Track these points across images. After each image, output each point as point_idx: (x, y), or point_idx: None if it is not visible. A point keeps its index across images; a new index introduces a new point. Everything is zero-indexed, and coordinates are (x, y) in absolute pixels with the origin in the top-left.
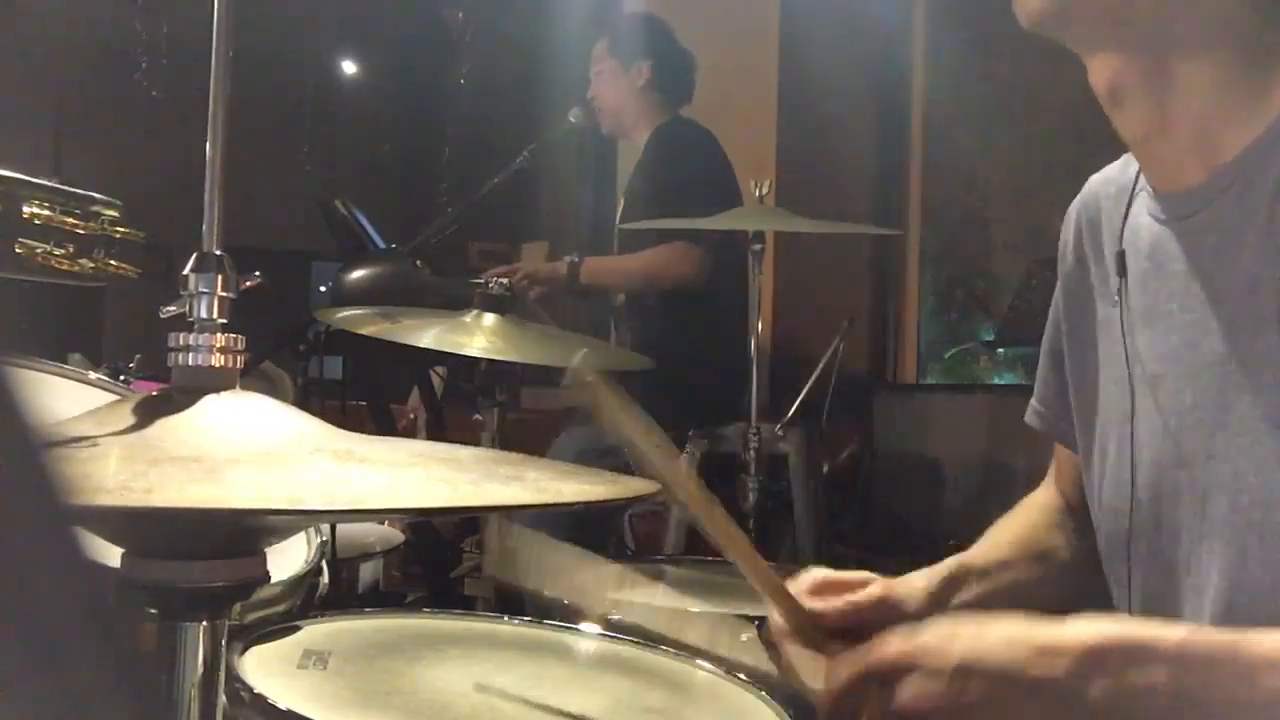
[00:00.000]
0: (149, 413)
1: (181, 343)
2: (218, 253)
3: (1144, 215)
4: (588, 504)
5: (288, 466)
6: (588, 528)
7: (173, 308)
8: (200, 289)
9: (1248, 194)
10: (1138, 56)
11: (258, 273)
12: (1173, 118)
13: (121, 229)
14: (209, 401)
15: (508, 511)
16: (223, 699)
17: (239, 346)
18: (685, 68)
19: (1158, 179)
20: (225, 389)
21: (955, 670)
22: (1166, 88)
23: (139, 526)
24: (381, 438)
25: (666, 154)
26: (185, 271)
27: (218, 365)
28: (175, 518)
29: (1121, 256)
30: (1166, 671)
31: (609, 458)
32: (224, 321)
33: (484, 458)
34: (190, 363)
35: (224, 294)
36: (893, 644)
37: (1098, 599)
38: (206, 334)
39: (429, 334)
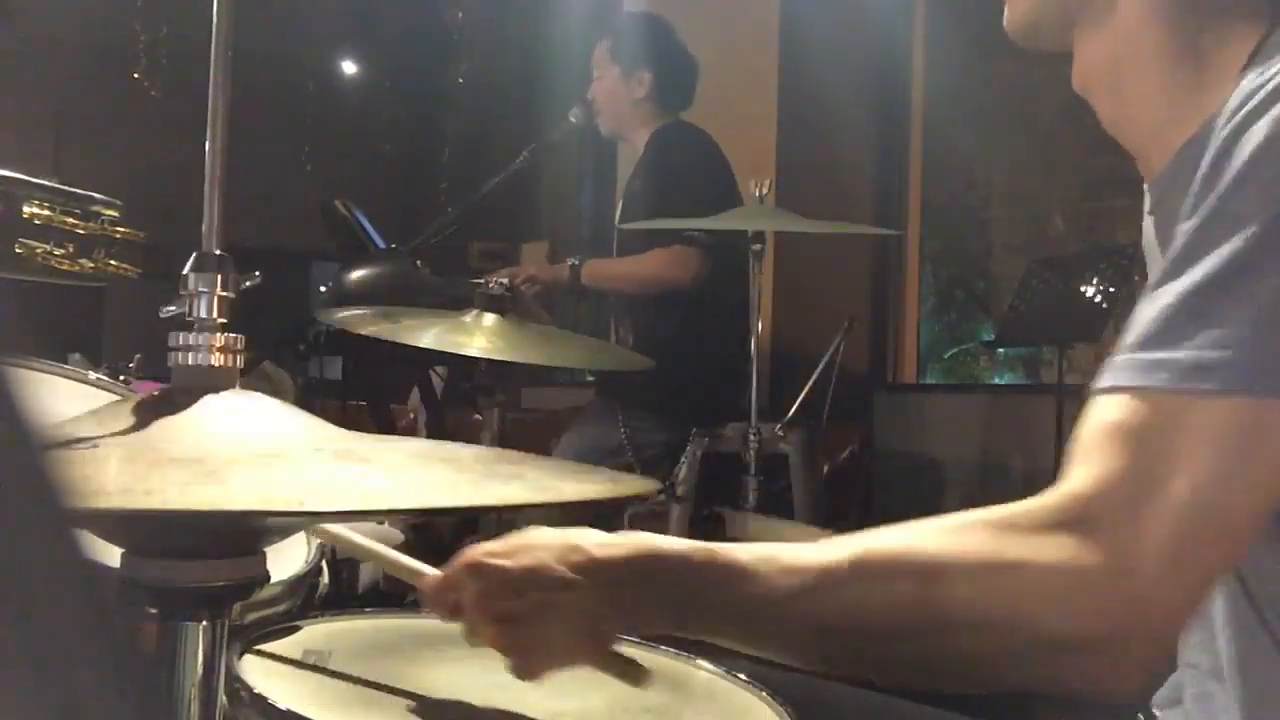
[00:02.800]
0: (149, 413)
1: (181, 342)
2: (217, 253)
3: (1147, 206)
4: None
5: (288, 467)
6: (587, 527)
7: (173, 307)
8: (200, 289)
9: (1186, 186)
10: (1097, 58)
11: (258, 272)
12: (1131, 114)
13: (121, 229)
14: (209, 401)
15: (508, 511)
16: (223, 699)
17: (239, 346)
18: (687, 76)
19: (1142, 168)
20: (225, 389)
21: (526, 571)
22: (1120, 88)
23: (139, 527)
24: (381, 437)
25: (665, 155)
26: (185, 271)
27: (217, 365)
28: (175, 518)
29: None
30: (684, 577)
31: (611, 458)
32: (224, 321)
33: (484, 457)
34: (190, 362)
35: (224, 294)
36: (497, 542)
37: None
38: (206, 334)
39: (429, 334)
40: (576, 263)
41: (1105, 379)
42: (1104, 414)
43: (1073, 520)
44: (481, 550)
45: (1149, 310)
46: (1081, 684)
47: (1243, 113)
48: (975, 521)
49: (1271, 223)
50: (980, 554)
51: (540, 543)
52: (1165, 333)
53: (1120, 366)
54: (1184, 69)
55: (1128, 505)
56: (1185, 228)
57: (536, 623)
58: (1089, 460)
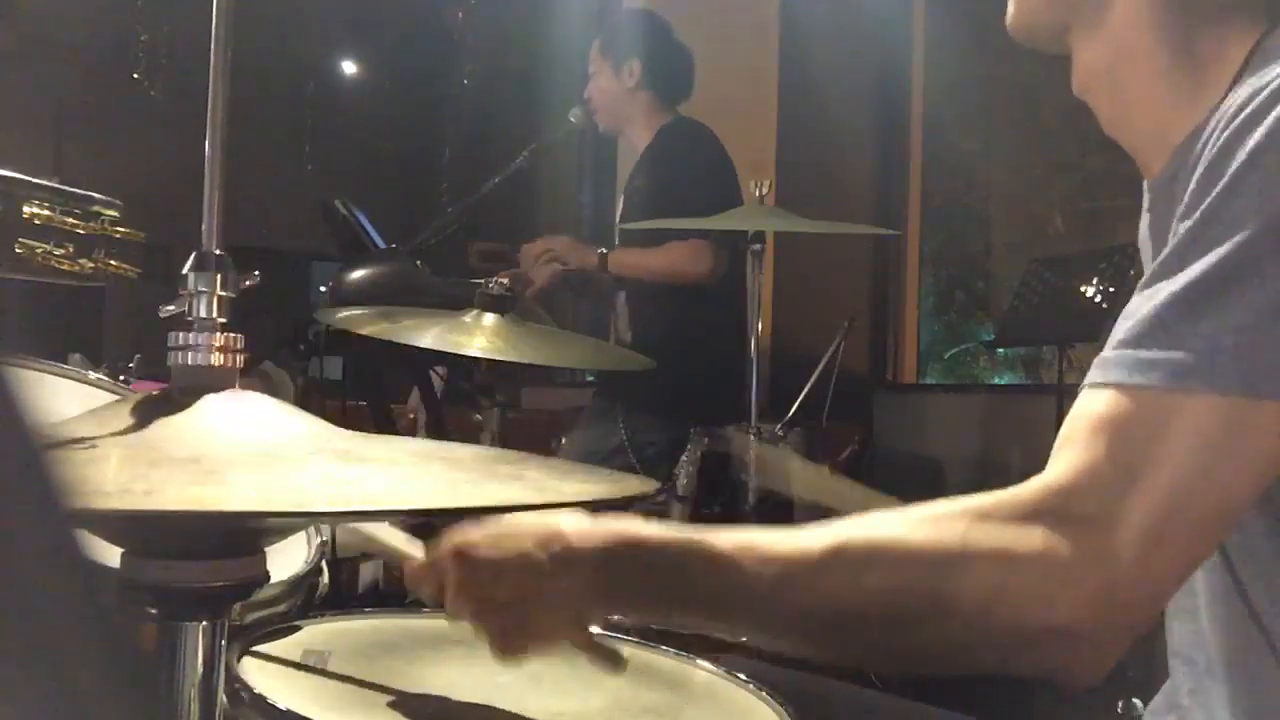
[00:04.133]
0: (149, 413)
1: (181, 342)
2: (217, 252)
3: (1145, 205)
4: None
5: (288, 467)
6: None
7: (172, 307)
8: (200, 288)
9: (1178, 186)
10: (1096, 60)
11: (257, 272)
12: (1129, 115)
13: (121, 229)
14: (208, 401)
15: (508, 511)
16: (223, 699)
17: (238, 346)
18: (678, 63)
19: (1141, 167)
20: (225, 388)
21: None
22: (1119, 89)
23: (139, 527)
24: (381, 437)
25: (668, 153)
26: (185, 271)
27: (217, 364)
28: (175, 519)
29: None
30: (663, 565)
31: (612, 458)
32: (223, 321)
33: (484, 457)
34: (190, 362)
35: (223, 293)
36: (479, 528)
37: None
38: (206, 333)
39: (429, 334)
40: (604, 251)
41: (1095, 374)
42: (1089, 408)
43: (1050, 511)
44: (464, 536)
45: (1142, 307)
46: (1053, 669)
47: (1242, 116)
48: (954, 511)
49: (1266, 226)
50: (957, 544)
51: (522, 530)
52: (1157, 331)
53: (1111, 363)
54: (1180, 71)
55: (1106, 498)
56: (1181, 226)
57: (517, 608)
58: (1070, 453)
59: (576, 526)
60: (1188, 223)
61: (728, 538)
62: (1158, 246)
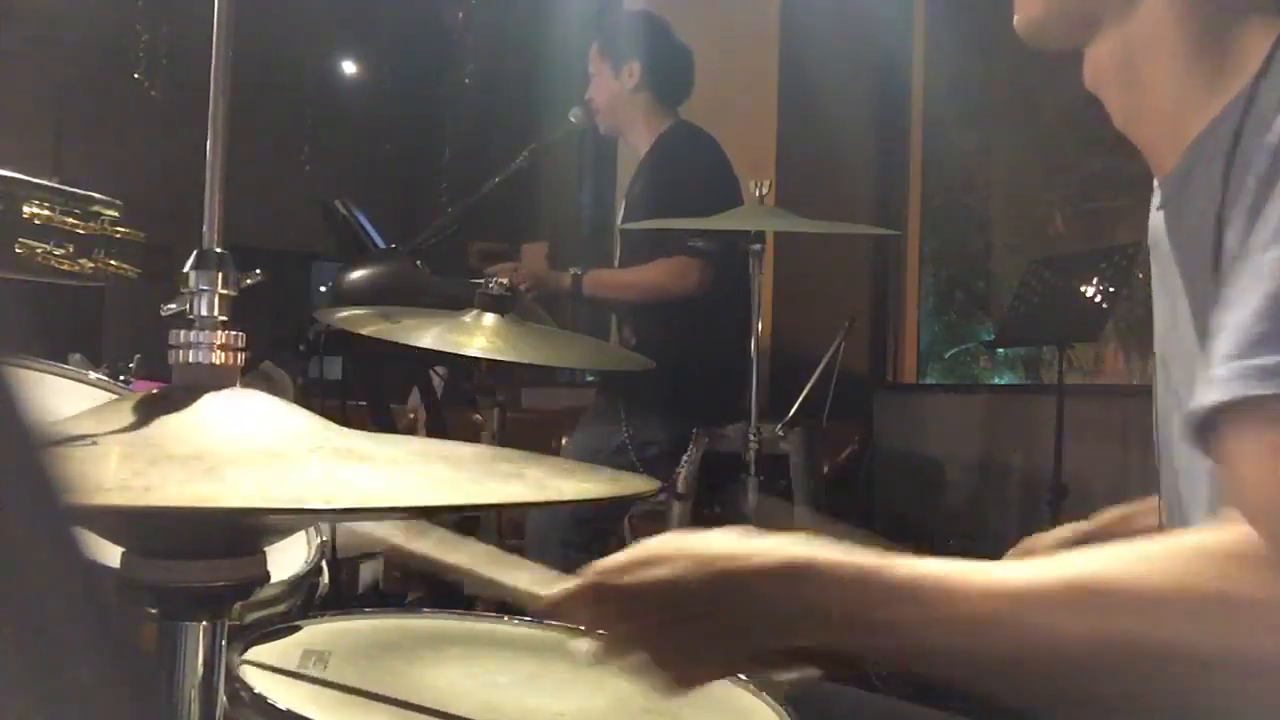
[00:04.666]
0: (149, 411)
1: (182, 340)
2: (218, 250)
3: (1156, 202)
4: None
5: (287, 465)
6: (588, 527)
7: (174, 306)
8: (200, 286)
9: (1204, 178)
10: (1112, 54)
11: (259, 270)
12: (1145, 108)
13: (121, 229)
14: (209, 399)
15: (508, 510)
16: (223, 699)
17: (239, 344)
18: (678, 65)
19: (1152, 164)
20: (225, 387)
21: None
22: (1136, 82)
23: (139, 526)
24: (381, 436)
25: (669, 159)
26: (186, 269)
27: (218, 363)
28: (174, 517)
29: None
30: (841, 592)
31: (614, 458)
32: (224, 319)
33: (484, 456)
34: (190, 360)
35: (224, 291)
36: (621, 555)
37: None
38: (207, 331)
39: (429, 334)
40: (579, 272)
41: (1228, 389)
42: (1260, 434)
43: (1263, 549)
44: (603, 567)
45: (1252, 314)
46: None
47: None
48: (1174, 550)
49: None
50: (1193, 587)
51: (669, 553)
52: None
53: (1236, 376)
54: (1201, 64)
55: None
56: (1262, 238)
57: (669, 639)
58: (1261, 487)
59: (730, 549)
60: (1270, 228)
61: (915, 566)
62: (1176, 243)
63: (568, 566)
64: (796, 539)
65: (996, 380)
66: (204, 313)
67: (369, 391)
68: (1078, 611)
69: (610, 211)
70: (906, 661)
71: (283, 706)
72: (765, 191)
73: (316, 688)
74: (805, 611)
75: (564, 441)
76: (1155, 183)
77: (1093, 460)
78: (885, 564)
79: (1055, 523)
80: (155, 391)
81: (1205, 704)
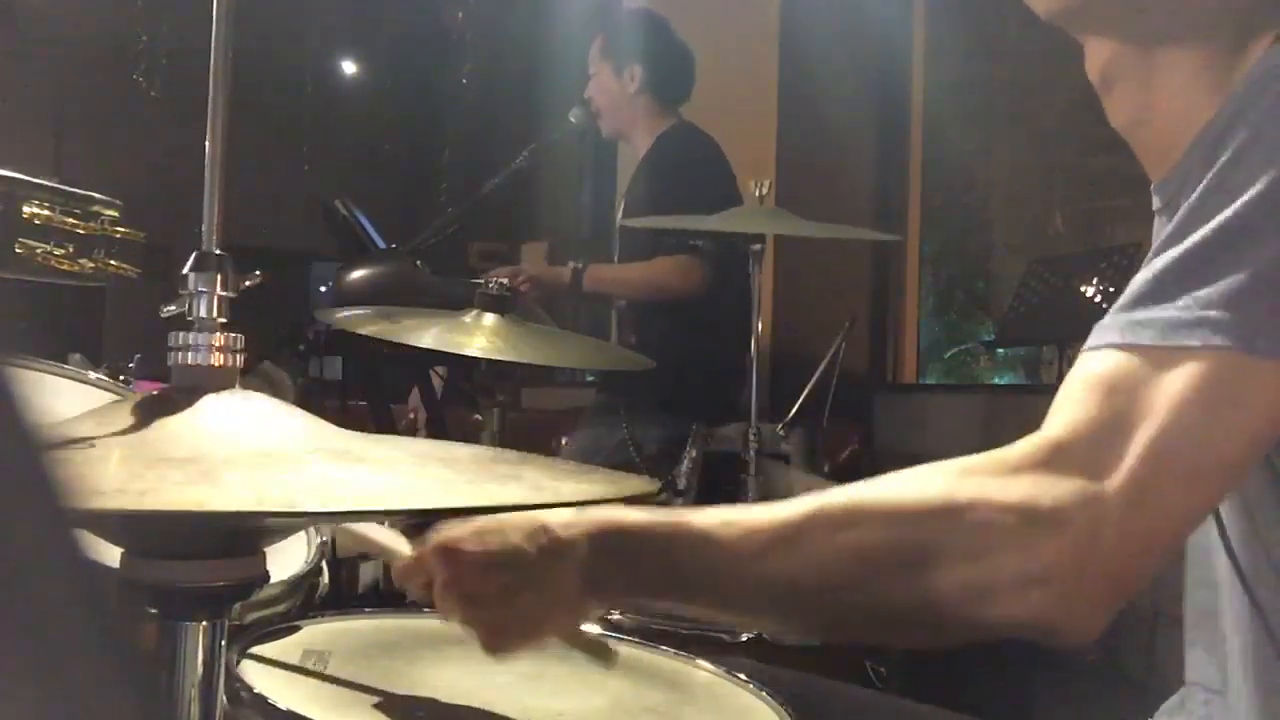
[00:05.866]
0: (148, 413)
1: (181, 342)
2: (217, 251)
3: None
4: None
5: (286, 467)
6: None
7: (173, 307)
8: (200, 288)
9: (1196, 182)
10: (1130, 47)
11: (259, 271)
12: (1154, 106)
13: (121, 229)
14: (208, 401)
15: (507, 511)
16: (223, 699)
17: (238, 346)
18: (680, 66)
19: (1150, 169)
20: (225, 388)
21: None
22: (1150, 78)
23: (138, 527)
24: (380, 437)
25: (669, 160)
26: (185, 271)
27: (217, 364)
28: (173, 519)
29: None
30: (645, 551)
31: (614, 457)
32: (224, 321)
33: (483, 457)
34: (189, 362)
35: (224, 293)
36: (465, 524)
37: None
38: (206, 333)
39: (429, 334)
40: (579, 266)
41: (1092, 339)
42: (1084, 369)
43: (1039, 462)
44: (450, 532)
45: (1142, 274)
46: (1037, 625)
47: (1244, 91)
48: (940, 468)
49: (1267, 190)
50: (940, 495)
51: (507, 524)
52: (1154, 293)
53: (1106, 326)
54: (1213, 69)
55: (1094, 447)
56: (1186, 202)
57: (505, 602)
58: (1062, 410)
59: (560, 517)
60: (1192, 197)
61: (710, 514)
62: None
63: None
64: (610, 509)
65: (996, 380)
66: (203, 314)
67: (369, 392)
68: (825, 530)
69: (610, 211)
70: (706, 611)
71: (283, 706)
72: (765, 191)
73: (316, 686)
74: (617, 571)
75: (564, 441)
76: (1153, 189)
77: None
78: (686, 519)
79: None
80: (155, 393)
81: (982, 615)
